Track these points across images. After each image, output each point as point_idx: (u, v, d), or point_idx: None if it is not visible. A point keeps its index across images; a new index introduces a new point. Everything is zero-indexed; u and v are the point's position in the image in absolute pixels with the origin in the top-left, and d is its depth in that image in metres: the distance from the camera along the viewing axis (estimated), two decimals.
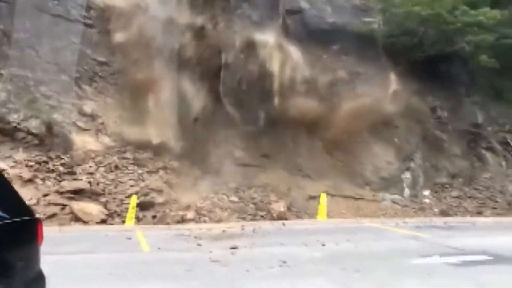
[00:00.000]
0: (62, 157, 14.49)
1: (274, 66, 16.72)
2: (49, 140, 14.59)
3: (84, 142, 15.09)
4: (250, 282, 6.56)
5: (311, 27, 18.04)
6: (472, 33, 17.60)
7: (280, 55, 16.94)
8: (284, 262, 7.78)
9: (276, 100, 16.44)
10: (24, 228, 3.37)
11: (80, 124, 15.34)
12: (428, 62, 18.57)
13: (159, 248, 9.46)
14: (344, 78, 17.94)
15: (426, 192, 17.18)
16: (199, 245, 9.79)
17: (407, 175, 17.23)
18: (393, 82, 18.49)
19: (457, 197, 17.74)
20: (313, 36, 17.69)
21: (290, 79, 16.94)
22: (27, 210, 3.53)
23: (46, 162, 14.10)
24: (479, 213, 16.72)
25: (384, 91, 18.09)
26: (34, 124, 14.55)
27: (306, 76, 17.18)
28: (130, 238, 10.51)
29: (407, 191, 16.92)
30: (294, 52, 17.24)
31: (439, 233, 11.83)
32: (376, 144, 17.25)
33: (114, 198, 14.07)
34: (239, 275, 7.02)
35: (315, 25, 18.10)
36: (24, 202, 3.58)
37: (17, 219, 3.29)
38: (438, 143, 19.12)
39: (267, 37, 16.79)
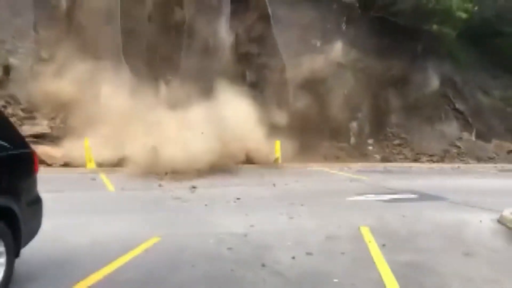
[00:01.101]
0: (22, 102, 14.65)
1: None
2: (7, 85, 14.65)
3: (42, 87, 15.17)
4: (208, 214, 7.51)
5: None
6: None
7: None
8: (239, 198, 8.78)
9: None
10: (26, 158, 4.08)
11: (38, 69, 15.36)
12: (394, 20, 19.33)
13: (123, 188, 10.22)
14: (304, 29, 18.55)
15: (370, 141, 18.61)
16: (160, 185, 10.62)
17: (354, 124, 18.53)
18: (351, 35, 19.31)
19: (398, 145, 19.30)
20: None
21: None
22: (25, 143, 4.20)
23: (5, 107, 14.23)
24: (417, 160, 18.40)
25: (341, 43, 18.91)
26: None
27: (267, 31, 17.75)
28: (94, 179, 11.19)
29: (353, 139, 18.28)
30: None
31: (377, 176, 13.21)
32: (327, 95, 18.24)
33: (75, 143, 14.50)
34: (198, 208, 7.96)
35: None
36: (22, 136, 4.24)
37: (21, 150, 4.00)
38: (386, 96, 20.36)
39: None
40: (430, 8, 18.50)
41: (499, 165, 17.96)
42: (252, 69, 17.39)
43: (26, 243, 4.01)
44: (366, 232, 6.35)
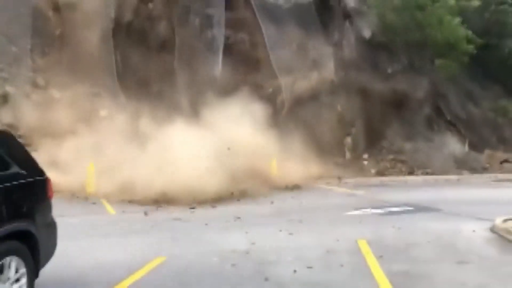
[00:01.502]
0: (20, 129, 14.83)
1: None
2: (5, 112, 14.87)
3: (39, 114, 15.40)
4: (209, 233, 7.70)
5: None
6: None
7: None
8: (238, 217, 8.97)
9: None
10: (42, 184, 4.32)
11: (35, 96, 15.61)
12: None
13: (123, 211, 10.38)
14: (298, 49, 19.02)
15: (365, 155, 18.91)
16: (160, 207, 10.80)
17: (349, 140, 18.85)
18: (344, 52, 19.79)
19: (393, 159, 19.59)
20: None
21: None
22: (40, 170, 4.43)
23: None
24: (411, 173, 18.67)
25: (334, 61, 19.35)
26: None
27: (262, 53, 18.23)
28: (95, 203, 11.35)
29: (348, 155, 18.58)
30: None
31: (374, 190, 13.46)
32: (322, 111, 18.58)
33: (73, 168, 14.65)
34: (199, 228, 8.15)
35: None
36: (37, 163, 4.47)
37: (37, 177, 4.25)
38: (379, 111, 20.67)
39: None
40: (434, 41, 18.82)
41: (492, 175, 18.24)
42: (248, 91, 17.70)
43: (44, 264, 4.23)
44: (363, 245, 6.55)
